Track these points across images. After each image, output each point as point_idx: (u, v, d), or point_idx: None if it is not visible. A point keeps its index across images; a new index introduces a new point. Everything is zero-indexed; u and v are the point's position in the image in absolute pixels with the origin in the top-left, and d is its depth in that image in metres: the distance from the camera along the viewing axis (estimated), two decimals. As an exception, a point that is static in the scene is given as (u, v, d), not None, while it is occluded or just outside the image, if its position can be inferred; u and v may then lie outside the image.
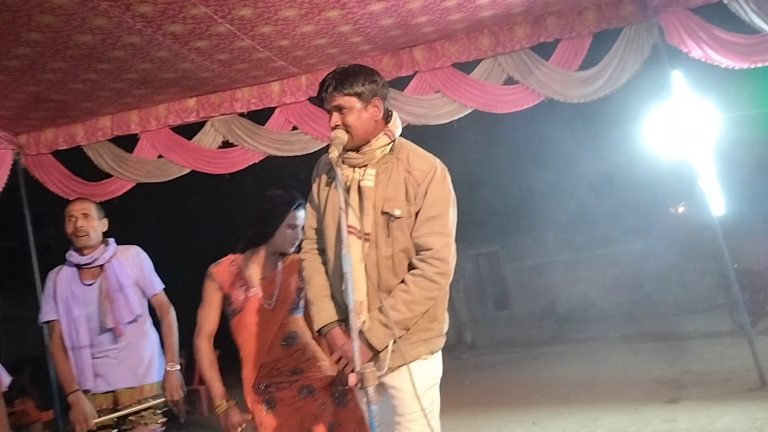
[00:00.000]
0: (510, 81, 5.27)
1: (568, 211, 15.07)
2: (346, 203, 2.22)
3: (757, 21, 4.50)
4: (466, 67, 5.34)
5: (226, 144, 5.83)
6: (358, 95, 2.28)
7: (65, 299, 3.28)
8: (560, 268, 16.33)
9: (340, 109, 2.30)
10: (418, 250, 2.28)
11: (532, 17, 5.06)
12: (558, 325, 14.37)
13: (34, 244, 6.06)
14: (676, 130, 5.17)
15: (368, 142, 2.33)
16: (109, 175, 5.98)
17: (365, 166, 2.34)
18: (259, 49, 4.86)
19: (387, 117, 2.38)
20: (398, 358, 2.26)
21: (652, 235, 15.36)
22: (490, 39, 5.19)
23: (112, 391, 3.28)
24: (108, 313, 3.25)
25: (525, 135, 14.33)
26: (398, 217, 2.27)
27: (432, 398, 2.33)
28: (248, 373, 2.76)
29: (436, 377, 2.37)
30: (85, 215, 3.33)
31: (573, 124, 13.44)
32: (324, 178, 2.44)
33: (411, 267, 2.29)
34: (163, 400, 3.30)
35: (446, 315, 2.41)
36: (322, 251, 2.45)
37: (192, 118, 5.77)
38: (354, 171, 2.34)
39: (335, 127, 2.31)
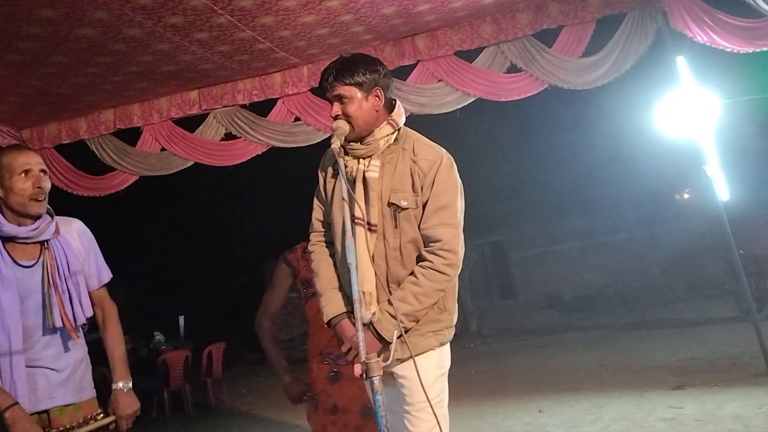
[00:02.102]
0: (513, 69, 5.24)
1: (573, 200, 15.04)
2: (349, 194, 2.20)
3: (762, 4, 4.45)
4: (469, 56, 5.31)
5: (228, 136, 5.83)
6: (359, 85, 2.26)
7: None
8: (565, 256, 16.34)
9: (340, 98, 2.28)
10: (427, 241, 2.27)
11: (534, 4, 5.03)
12: (564, 313, 14.39)
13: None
14: (681, 116, 5.14)
15: (371, 132, 2.31)
16: (112, 169, 5.99)
17: (370, 156, 2.32)
18: (260, 40, 4.84)
19: (390, 107, 2.36)
20: (408, 349, 2.24)
21: (657, 222, 15.34)
22: (492, 26, 5.15)
23: (46, 411, 2.39)
24: (56, 307, 2.39)
25: (529, 124, 14.29)
26: (405, 208, 2.26)
27: (441, 388, 2.33)
28: (318, 340, 2.90)
29: (445, 367, 2.37)
30: (44, 172, 2.44)
31: (577, 111, 13.38)
32: (330, 170, 2.43)
33: (420, 258, 2.28)
34: (110, 420, 2.51)
35: (455, 306, 2.41)
36: (330, 243, 2.43)
37: (194, 111, 5.77)
38: (359, 162, 2.32)
39: (336, 117, 2.29)
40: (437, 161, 2.28)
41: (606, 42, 5.03)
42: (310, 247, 2.50)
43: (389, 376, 2.28)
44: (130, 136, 5.97)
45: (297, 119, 5.67)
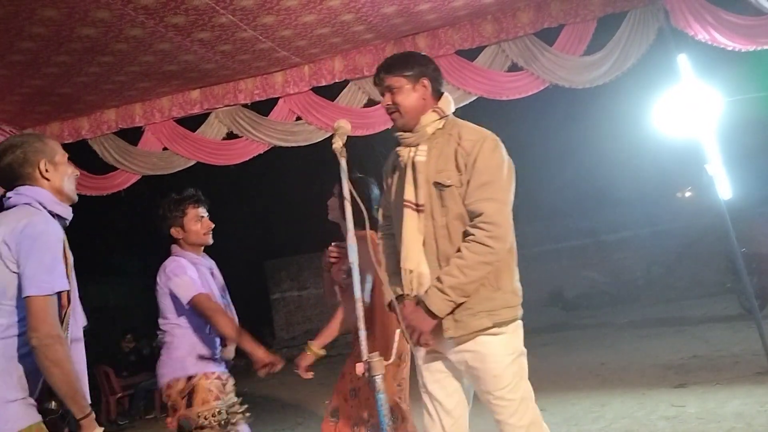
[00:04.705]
0: (514, 68, 5.24)
1: (574, 198, 15.02)
2: (351, 193, 2.22)
3: (764, 2, 4.44)
4: (470, 54, 5.31)
5: (230, 135, 5.84)
6: (407, 76, 2.44)
7: None
8: (567, 254, 16.32)
9: (390, 89, 2.46)
10: (471, 216, 2.34)
11: (535, 2, 5.02)
12: (565, 312, 14.38)
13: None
14: (683, 115, 5.13)
15: (419, 120, 2.45)
16: (114, 168, 6.00)
17: (419, 144, 2.46)
18: (262, 40, 4.85)
19: (438, 97, 2.51)
20: (461, 327, 2.33)
21: (659, 220, 15.32)
22: (493, 25, 5.15)
23: None
24: None
25: (530, 123, 14.27)
26: (448, 186, 2.36)
27: (512, 373, 2.36)
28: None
29: (515, 352, 2.39)
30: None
31: (579, 110, 13.37)
32: (390, 166, 2.63)
33: (466, 234, 2.35)
34: None
35: (516, 286, 2.45)
36: (392, 235, 2.61)
37: (196, 110, 5.77)
38: (410, 150, 2.47)
39: (386, 107, 2.50)
40: (480, 141, 2.39)
41: (607, 40, 5.02)
42: (377, 240, 2.71)
43: (439, 354, 2.43)
44: (132, 135, 5.98)
45: (298, 118, 5.68)
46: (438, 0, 4.67)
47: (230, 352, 3.29)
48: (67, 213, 2.23)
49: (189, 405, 3.04)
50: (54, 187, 2.18)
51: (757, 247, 8.95)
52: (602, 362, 7.44)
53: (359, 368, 2.12)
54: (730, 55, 4.81)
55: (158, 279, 3.20)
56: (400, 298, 2.46)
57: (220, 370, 3.19)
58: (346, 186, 2.20)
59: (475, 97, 5.32)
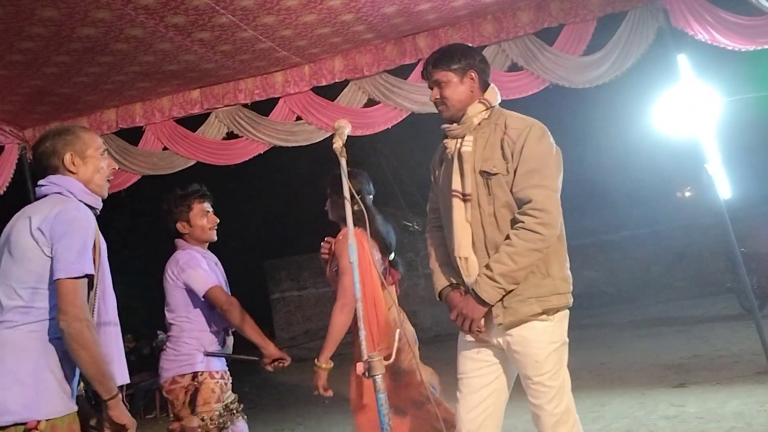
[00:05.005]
0: (514, 67, 5.24)
1: (574, 197, 15.00)
2: (351, 192, 2.23)
3: (763, 2, 4.45)
4: (470, 54, 5.30)
5: (230, 135, 5.84)
6: (454, 70, 2.47)
7: None
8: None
9: (438, 83, 2.49)
10: (520, 204, 2.35)
11: (535, 2, 5.02)
12: (565, 311, 14.36)
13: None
14: (683, 114, 5.13)
15: (465, 112, 2.48)
16: (114, 168, 5.99)
17: (465, 135, 2.48)
18: (262, 40, 4.85)
19: (485, 88, 2.53)
20: (510, 314, 2.35)
21: (658, 220, 15.31)
22: (493, 25, 5.15)
23: None
24: None
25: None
26: (495, 174, 2.38)
27: (554, 362, 2.38)
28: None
29: (558, 341, 2.41)
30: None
31: (579, 110, 13.36)
32: (437, 160, 2.67)
33: (514, 222, 2.36)
34: None
35: (567, 274, 2.45)
36: (440, 227, 2.63)
37: (196, 110, 5.77)
38: (456, 142, 2.50)
39: (434, 101, 2.53)
40: (527, 129, 2.41)
41: (607, 40, 5.02)
42: (426, 233, 2.74)
43: (489, 342, 2.45)
44: (132, 135, 5.98)
45: (299, 118, 5.68)
46: (438, 0, 4.68)
47: (229, 346, 3.30)
48: (97, 203, 2.28)
49: (191, 403, 3.03)
50: (82, 179, 2.24)
51: (757, 246, 8.97)
52: (602, 362, 7.44)
53: (359, 368, 2.12)
54: (729, 55, 4.81)
55: (169, 271, 3.17)
56: (448, 288, 2.51)
57: (223, 368, 3.19)
58: (346, 185, 2.21)
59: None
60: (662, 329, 9.40)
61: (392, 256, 3.20)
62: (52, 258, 2.03)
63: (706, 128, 5.08)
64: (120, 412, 2.08)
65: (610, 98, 10.69)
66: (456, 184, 2.45)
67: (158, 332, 10.40)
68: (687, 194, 17.23)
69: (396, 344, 2.24)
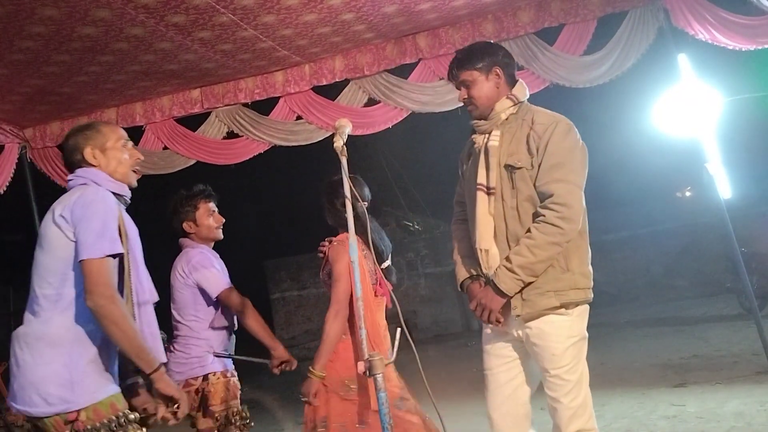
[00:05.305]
0: (514, 67, 5.24)
1: (574, 197, 14.97)
2: (351, 192, 2.23)
3: (764, 1, 4.45)
4: (471, 54, 5.30)
5: (230, 135, 5.83)
6: (479, 68, 2.49)
7: None
8: (567, 254, 16.33)
9: (465, 83, 2.52)
10: (542, 198, 2.38)
11: (536, 2, 5.02)
12: (565, 311, 14.37)
13: (42, 237, 6.08)
14: (683, 114, 5.13)
15: (493, 108, 2.50)
16: (114, 168, 5.99)
17: (492, 130, 2.50)
18: (262, 39, 4.85)
19: (512, 84, 2.55)
20: (528, 306, 2.38)
21: (658, 220, 15.32)
22: (494, 25, 5.15)
23: None
24: None
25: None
26: (519, 168, 2.40)
27: (572, 356, 2.43)
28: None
29: (577, 336, 2.45)
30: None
31: (579, 110, 13.34)
32: (466, 154, 2.68)
33: (536, 216, 2.38)
34: None
35: (587, 270, 2.51)
36: (465, 220, 2.67)
37: (196, 110, 5.77)
38: (484, 137, 2.52)
39: (463, 101, 2.56)
40: (552, 124, 2.42)
41: (607, 40, 5.02)
42: (451, 225, 2.78)
43: (507, 335, 2.49)
44: (132, 135, 5.94)
45: (299, 118, 5.67)
46: (438, -1, 4.68)
47: (232, 345, 3.30)
48: (124, 190, 2.37)
49: (201, 405, 3.03)
50: (106, 171, 2.33)
51: (757, 246, 8.97)
52: (602, 362, 7.44)
53: (360, 367, 2.12)
54: (730, 55, 4.81)
55: (179, 268, 3.16)
56: (469, 279, 2.56)
57: (231, 368, 3.20)
58: (347, 183, 2.21)
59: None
60: (662, 329, 9.40)
61: (386, 263, 3.13)
62: (75, 242, 2.10)
63: (706, 128, 5.08)
64: (166, 384, 2.12)
65: (610, 98, 10.70)
66: (481, 177, 2.48)
67: (159, 332, 10.40)
68: (687, 194, 17.23)
69: (397, 343, 2.24)
